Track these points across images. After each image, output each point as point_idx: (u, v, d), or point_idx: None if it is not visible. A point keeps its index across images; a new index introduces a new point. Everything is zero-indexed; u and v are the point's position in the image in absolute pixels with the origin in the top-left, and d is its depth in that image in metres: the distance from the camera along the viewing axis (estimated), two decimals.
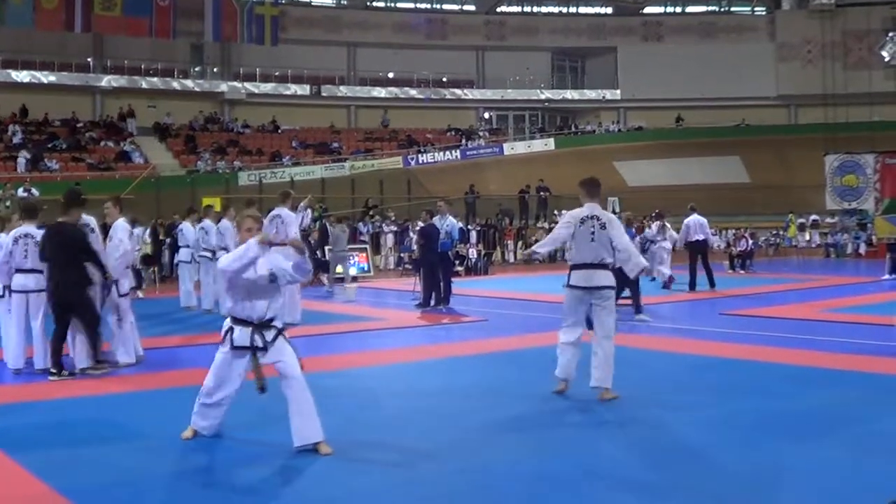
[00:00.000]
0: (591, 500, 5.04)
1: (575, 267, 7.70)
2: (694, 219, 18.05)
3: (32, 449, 6.15)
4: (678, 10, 52.06)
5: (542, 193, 35.80)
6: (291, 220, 12.99)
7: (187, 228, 16.23)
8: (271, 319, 5.97)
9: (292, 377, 5.88)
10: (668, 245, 18.91)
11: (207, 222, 15.27)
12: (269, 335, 5.91)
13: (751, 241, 25.11)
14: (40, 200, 20.42)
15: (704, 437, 6.37)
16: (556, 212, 30.34)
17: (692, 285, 17.78)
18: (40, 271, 9.17)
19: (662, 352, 10.39)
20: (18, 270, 9.18)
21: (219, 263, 6.16)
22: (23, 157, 32.93)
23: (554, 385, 7.81)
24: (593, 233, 7.62)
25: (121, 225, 9.62)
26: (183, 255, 16.38)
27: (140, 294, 17.20)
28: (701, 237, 17.97)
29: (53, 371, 8.77)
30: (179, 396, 8.07)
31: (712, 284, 17.71)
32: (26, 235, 9.18)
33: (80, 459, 5.93)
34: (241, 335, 5.94)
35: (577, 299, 7.73)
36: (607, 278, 7.70)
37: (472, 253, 25.36)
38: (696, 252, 17.99)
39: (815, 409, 7.20)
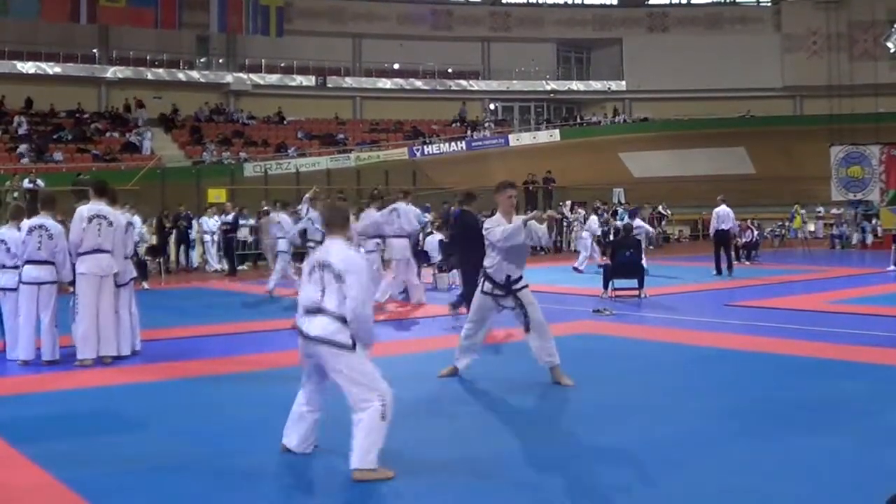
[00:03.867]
0: (596, 491, 5.06)
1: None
2: (723, 209, 19.18)
3: (37, 439, 6.18)
4: (683, 0, 51.89)
5: (533, 185, 35.68)
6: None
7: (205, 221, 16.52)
8: None
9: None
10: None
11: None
12: None
13: (756, 232, 25.04)
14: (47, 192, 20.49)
15: (709, 427, 6.40)
16: (560, 203, 30.24)
17: (729, 268, 18.89)
18: (53, 263, 9.21)
19: (667, 343, 10.38)
20: (30, 262, 9.18)
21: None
22: (23, 148, 32.89)
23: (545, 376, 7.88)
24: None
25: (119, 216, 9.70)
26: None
27: (145, 285, 17.26)
28: (726, 227, 19.10)
29: None
30: (182, 388, 8.13)
31: (719, 272, 18.76)
32: (41, 227, 9.18)
33: (84, 450, 5.96)
34: None
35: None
36: None
37: None
38: (721, 240, 19.15)
39: (821, 401, 7.20)
